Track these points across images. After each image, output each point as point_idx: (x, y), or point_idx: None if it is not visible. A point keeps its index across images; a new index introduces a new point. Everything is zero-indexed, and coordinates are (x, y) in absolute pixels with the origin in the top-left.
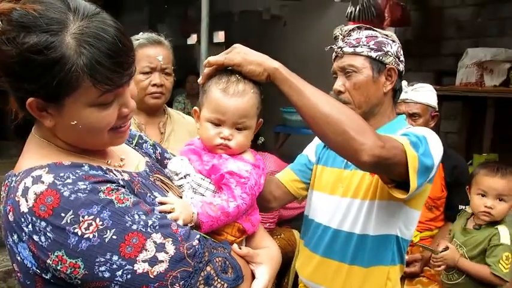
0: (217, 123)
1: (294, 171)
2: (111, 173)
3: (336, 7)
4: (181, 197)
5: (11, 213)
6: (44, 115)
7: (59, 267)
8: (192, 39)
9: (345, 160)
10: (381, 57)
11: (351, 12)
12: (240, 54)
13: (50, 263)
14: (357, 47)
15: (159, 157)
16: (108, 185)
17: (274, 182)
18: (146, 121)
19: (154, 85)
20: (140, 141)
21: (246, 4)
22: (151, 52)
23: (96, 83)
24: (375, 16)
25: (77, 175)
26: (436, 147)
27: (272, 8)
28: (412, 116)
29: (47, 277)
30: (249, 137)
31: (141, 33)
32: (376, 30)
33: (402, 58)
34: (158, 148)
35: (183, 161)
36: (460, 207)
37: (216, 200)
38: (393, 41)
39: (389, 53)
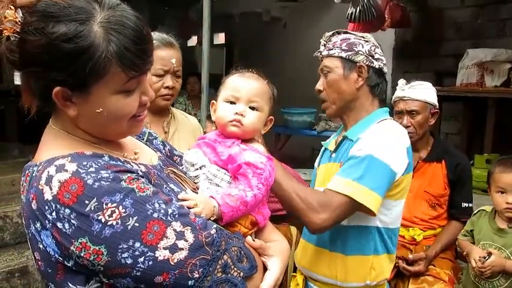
0: (233, 101)
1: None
2: (129, 164)
3: (336, 8)
4: (195, 189)
5: (34, 201)
6: (68, 105)
7: (82, 254)
8: (192, 41)
9: (329, 154)
10: (350, 57)
11: (352, 13)
12: None
13: (74, 249)
14: (331, 49)
15: (168, 153)
16: (129, 175)
17: None
18: (150, 120)
19: (166, 87)
20: (150, 137)
21: (246, 6)
22: (165, 54)
23: (124, 69)
24: (375, 17)
25: (99, 164)
26: (389, 152)
27: (272, 9)
28: (410, 113)
29: (69, 264)
30: (260, 120)
31: (152, 33)
32: (351, 33)
33: (378, 56)
34: (167, 145)
35: (199, 153)
36: (463, 205)
37: (234, 191)
38: (366, 41)
39: (360, 52)
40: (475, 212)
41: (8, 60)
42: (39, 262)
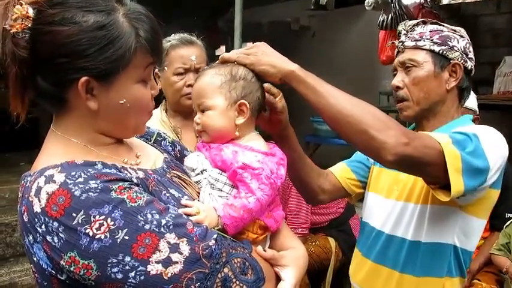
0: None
1: (349, 167)
2: (126, 171)
3: (366, 16)
4: (199, 193)
5: (25, 213)
6: (89, 97)
7: (72, 269)
8: (221, 51)
9: None
10: (444, 52)
11: (383, 20)
12: (256, 54)
13: (64, 264)
14: (419, 40)
15: (179, 154)
16: (120, 184)
17: (324, 175)
18: (182, 124)
19: (189, 86)
20: (159, 138)
21: (274, 15)
22: (185, 52)
23: (151, 52)
24: None
25: (88, 174)
26: (493, 147)
27: (301, 18)
28: None
29: (62, 278)
30: (213, 118)
31: (173, 35)
32: (442, 25)
33: (471, 55)
34: (177, 146)
35: (199, 157)
36: (507, 215)
37: (237, 201)
38: (461, 36)
39: (455, 48)
40: (507, 224)
41: (15, 57)
42: (36, 274)
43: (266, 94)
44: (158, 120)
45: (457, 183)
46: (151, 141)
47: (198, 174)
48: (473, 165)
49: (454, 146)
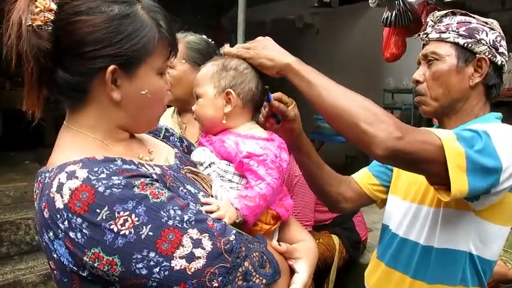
0: None
1: (371, 173)
2: (144, 167)
3: (370, 13)
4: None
5: (46, 209)
6: (114, 88)
7: (96, 265)
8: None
9: None
10: (470, 45)
11: (387, 17)
12: (256, 49)
13: (87, 260)
14: (444, 32)
15: (186, 150)
16: (142, 180)
17: (346, 183)
18: (187, 120)
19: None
20: (167, 134)
21: (278, 12)
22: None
23: (171, 43)
24: (411, 21)
25: (110, 170)
26: (507, 145)
27: (305, 16)
28: None
29: (83, 274)
30: (203, 105)
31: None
32: (472, 16)
33: (502, 50)
34: (185, 141)
35: (205, 151)
36: None
37: (249, 191)
38: (491, 29)
39: (483, 42)
40: None
41: (39, 50)
42: (55, 271)
43: (277, 103)
44: (169, 115)
45: (460, 182)
46: (161, 137)
47: (207, 167)
48: (481, 164)
49: (459, 143)
